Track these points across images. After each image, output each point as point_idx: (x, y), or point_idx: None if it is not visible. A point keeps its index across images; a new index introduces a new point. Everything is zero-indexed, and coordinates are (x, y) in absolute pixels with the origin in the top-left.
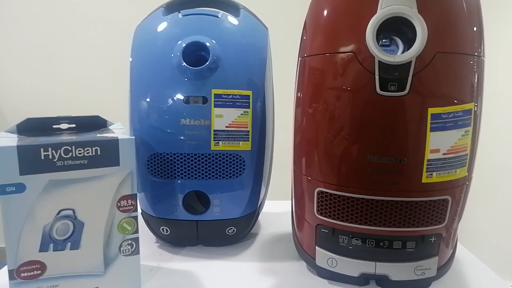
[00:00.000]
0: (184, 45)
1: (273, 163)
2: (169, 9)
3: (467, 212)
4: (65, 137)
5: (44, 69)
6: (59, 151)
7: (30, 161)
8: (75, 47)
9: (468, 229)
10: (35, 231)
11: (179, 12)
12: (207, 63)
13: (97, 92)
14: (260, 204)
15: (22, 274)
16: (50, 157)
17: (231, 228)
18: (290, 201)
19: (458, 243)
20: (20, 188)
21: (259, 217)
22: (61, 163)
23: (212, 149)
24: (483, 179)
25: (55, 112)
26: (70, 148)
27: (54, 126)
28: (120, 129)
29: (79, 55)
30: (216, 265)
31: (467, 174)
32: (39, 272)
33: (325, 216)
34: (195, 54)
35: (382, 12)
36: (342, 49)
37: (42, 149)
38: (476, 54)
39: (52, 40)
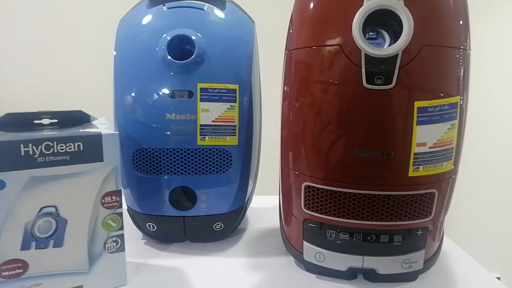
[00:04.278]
0: (169, 38)
1: (261, 157)
2: (153, 1)
3: (453, 205)
4: (47, 133)
5: (29, 62)
6: (40, 147)
7: (10, 157)
8: (60, 41)
9: (454, 222)
10: (16, 229)
11: (164, 5)
12: (193, 56)
13: (83, 86)
14: (247, 199)
15: (3, 273)
16: (31, 153)
17: (219, 224)
18: (278, 196)
19: (444, 236)
20: None
21: (247, 212)
22: (42, 159)
23: (198, 144)
24: (469, 173)
25: (41, 106)
26: (51, 144)
27: (35, 121)
28: (103, 124)
29: (63, 49)
30: (203, 261)
31: (453, 167)
32: (21, 271)
33: (312, 211)
34: (180, 48)
35: (368, 5)
36: (329, 42)
37: (22, 145)
38: (462, 47)
39: (37, 34)
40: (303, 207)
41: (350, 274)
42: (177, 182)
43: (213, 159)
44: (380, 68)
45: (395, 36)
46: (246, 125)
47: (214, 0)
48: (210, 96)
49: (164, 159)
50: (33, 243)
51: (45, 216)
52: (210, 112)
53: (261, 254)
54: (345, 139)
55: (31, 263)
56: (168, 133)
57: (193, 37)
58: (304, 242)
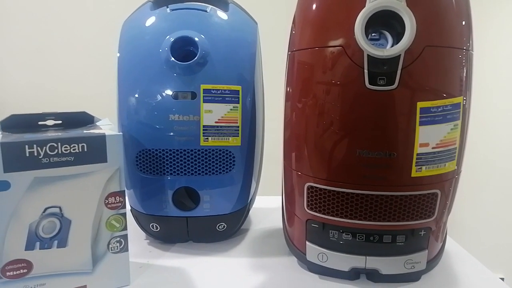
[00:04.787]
0: (172, 40)
1: (264, 158)
2: (157, 3)
3: (457, 206)
4: (51, 134)
5: (33, 64)
6: (44, 148)
7: (15, 158)
8: (63, 42)
9: (458, 222)
10: (21, 229)
11: (167, 7)
12: (196, 58)
13: (86, 87)
14: (250, 200)
15: (8, 273)
16: (35, 154)
17: (222, 224)
18: (281, 197)
19: (447, 236)
20: (4, 185)
21: (250, 213)
22: (46, 160)
23: (201, 145)
24: (472, 173)
25: (45, 107)
26: (55, 145)
27: (40, 123)
28: (107, 125)
29: (67, 50)
30: (206, 261)
31: (456, 167)
32: (25, 271)
33: (315, 211)
34: (184, 49)
35: (370, 6)
36: (331, 43)
37: (26, 146)
38: (464, 48)
39: (41, 35)
40: (305, 208)
41: (353, 275)
42: (180, 182)
43: (216, 160)
44: (382, 69)
45: (397, 37)
46: (249, 126)
47: (217, 1)
48: (213, 97)
49: (167, 160)
50: (37, 243)
51: (49, 216)
52: (213, 113)
53: (264, 255)
54: (347, 140)
55: (35, 263)
56: (172, 134)
57: (196, 39)
58: (307, 242)
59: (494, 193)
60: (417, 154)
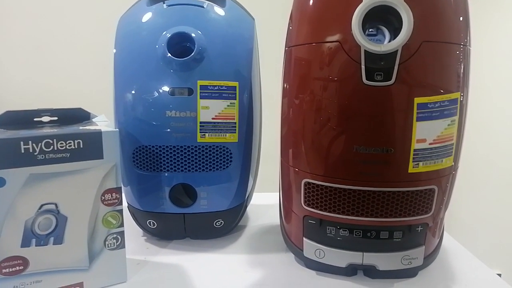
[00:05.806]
0: (169, 35)
1: (261, 154)
2: None
3: (454, 202)
4: (47, 130)
5: (29, 60)
6: (40, 144)
7: (10, 154)
8: (60, 39)
9: (455, 219)
10: (17, 226)
11: (164, 2)
12: (193, 54)
13: (83, 84)
14: (248, 196)
15: (4, 270)
16: (31, 150)
17: (219, 221)
18: (278, 193)
19: (444, 232)
20: None
21: (247, 209)
22: (42, 156)
23: (198, 141)
24: (470, 170)
25: (41, 104)
26: (51, 141)
27: (35, 119)
28: (103, 121)
29: (63, 47)
30: (204, 258)
31: (453, 163)
32: (21, 267)
33: (312, 207)
34: (180, 45)
35: (368, 1)
36: (328, 39)
37: (22, 143)
38: (462, 43)
39: (38, 32)
40: (303, 204)
41: (350, 271)
42: (177, 179)
43: (213, 156)
44: (379, 64)
45: (395, 32)
46: (246, 122)
47: None
48: (210, 93)
49: (164, 156)
50: (33, 240)
51: (45, 213)
52: (210, 109)
53: (261, 251)
54: (344, 136)
55: (31, 260)
56: (168, 130)
57: (193, 35)
58: (304, 238)
59: (492, 190)
60: (414, 150)
